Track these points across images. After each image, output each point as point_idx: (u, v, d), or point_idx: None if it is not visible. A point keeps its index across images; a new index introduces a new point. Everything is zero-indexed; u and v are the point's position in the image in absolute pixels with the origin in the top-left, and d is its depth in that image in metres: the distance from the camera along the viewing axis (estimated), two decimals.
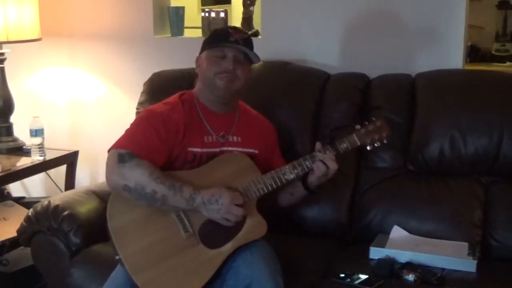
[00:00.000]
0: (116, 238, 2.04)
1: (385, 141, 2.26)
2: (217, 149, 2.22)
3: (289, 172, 2.17)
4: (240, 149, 2.26)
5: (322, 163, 2.16)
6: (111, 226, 2.05)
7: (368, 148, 2.25)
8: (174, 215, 2.07)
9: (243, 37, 2.20)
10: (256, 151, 2.30)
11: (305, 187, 2.25)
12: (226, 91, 2.20)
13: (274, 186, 2.16)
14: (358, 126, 2.25)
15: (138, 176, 2.03)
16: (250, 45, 2.23)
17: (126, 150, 2.07)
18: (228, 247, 2.06)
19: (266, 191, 2.15)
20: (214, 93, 2.23)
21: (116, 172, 2.06)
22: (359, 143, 2.22)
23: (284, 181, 2.17)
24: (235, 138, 2.27)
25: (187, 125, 2.18)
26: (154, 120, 2.16)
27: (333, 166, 2.17)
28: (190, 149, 2.18)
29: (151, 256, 2.03)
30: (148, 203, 2.05)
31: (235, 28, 2.30)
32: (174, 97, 2.28)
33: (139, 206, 2.06)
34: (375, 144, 2.25)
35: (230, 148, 2.25)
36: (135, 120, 2.23)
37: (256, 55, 2.24)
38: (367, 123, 2.26)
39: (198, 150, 2.19)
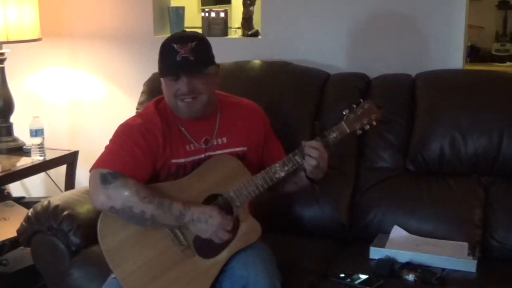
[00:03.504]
0: (110, 258, 2.01)
1: (374, 123, 2.16)
2: (202, 155, 2.15)
3: (279, 170, 2.10)
4: (226, 150, 2.18)
5: (309, 156, 2.07)
6: (103, 247, 2.01)
7: (358, 132, 2.16)
8: (167, 229, 2.03)
9: (191, 48, 2.03)
10: (245, 148, 2.21)
11: (307, 177, 2.17)
12: (190, 110, 2.10)
13: (266, 186, 2.10)
14: (346, 111, 2.14)
15: (124, 197, 1.97)
16: (201, 50, 2.06)
17: (108, 170, 2.00)
18: (223, 255, 2.04)
19: (257, 192, 2.10)
20: (180, 114, 2.13)
21: (101, 194, 1.99)
22: (348, 131, 2.13)
23: (275, 180, 2.11)
24: (219, 140, 2.18)
25: (166, 135, 2.11)
26: (132, 134, 2.09)
27: (318, 155, 2.06)
28: (173, 160, 2.12)
29: (148, 273, 2.01)
30: (137, 223, 2.00)
31: (180, 38, 2.09)
32: (149, 107, 2.19)
33: (129, 223, 2.02)
34: (365, 128, 2.15)
35: (215, 152, 2.17)
36: (112, 137, 2.13)
37: (209, 59, 2.10)
38: (355, 106, 2.15)
39: (182, 160, 2.13)
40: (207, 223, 1.99)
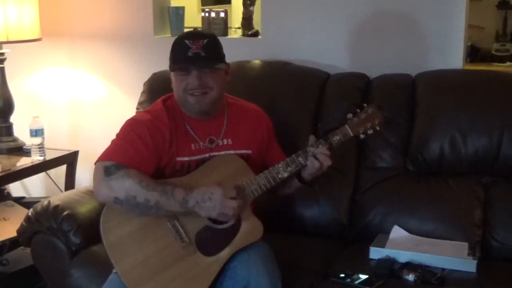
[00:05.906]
0: (112, 253, 2.01)
1: (377, 128, 2.20)
2: (206, 155, 2.17)
3: (282, 171, 2.13)
4: (231, 152, 2.20)
5: (315, 159, 2.11)
6: (106, 241, 2.02)
7: (361, 137, 2.20)
8: (169, 225, 2.04)
9: (203, 45, 2.08)
10: (249, 151, 2.24)
11: (300, 180, 2.21)
12: (200, 105, 2.13)
13: (268, 186, 2.12)
14: (350, 115, 2.19)
15: (127, 186, 1.98)
16: (212, 47, 2.11)
17: (112, 162, 2.02)
18: (225, 253, 2.05)
19: (260, 192, 2.11)
20: (189, 109, 2.16)
21: (104, 186, 2.01)
22: (352, 134, 2.17)
23: (278, 180, 2.13)
24: (225, 141, 2.20)
25: (172, 133, 2.13)
26: (139, 129, 2.11)
27: (326, 162, 2.12)
28: (178, 158, 2.13)
29: (149, 268, 2.01)
30: (141, 213, 2.01)
31: (192, 34, 2.16)
32: (158, 104, 2.21)
33: (132, 218, 2.03)
34: (368, 132, 2.20)
35: (220, 153, 2.19)
36: (119, 131, 2.15)
37: (220, 57, 2.14)
38: (358, 110, 2.20)
39: (186, 159, 2.14)
40: (212, 199, 1.99)
